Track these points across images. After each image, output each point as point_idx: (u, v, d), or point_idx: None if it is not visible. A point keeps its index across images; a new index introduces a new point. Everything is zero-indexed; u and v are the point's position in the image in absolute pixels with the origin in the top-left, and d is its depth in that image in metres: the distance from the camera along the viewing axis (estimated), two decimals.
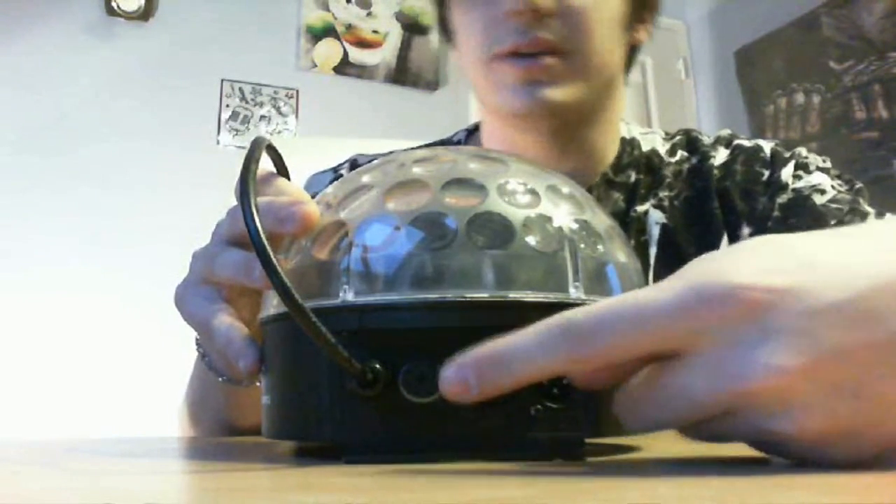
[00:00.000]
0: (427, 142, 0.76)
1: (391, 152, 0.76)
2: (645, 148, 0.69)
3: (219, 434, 0.53)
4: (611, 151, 0.67)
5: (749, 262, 0.24)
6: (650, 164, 0.67)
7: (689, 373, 0.23)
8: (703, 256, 0.25)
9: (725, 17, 2.81)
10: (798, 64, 2.44)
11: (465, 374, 0.24)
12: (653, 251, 0.63)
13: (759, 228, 0.62)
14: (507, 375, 0.24)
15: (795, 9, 2.44)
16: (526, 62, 0.57)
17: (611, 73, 0.62)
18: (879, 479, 0.21)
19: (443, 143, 0.76)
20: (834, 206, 0.60)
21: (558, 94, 0.58)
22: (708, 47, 2.90)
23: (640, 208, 0.65)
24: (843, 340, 0.22)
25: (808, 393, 0.22)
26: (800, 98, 2.43)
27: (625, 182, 0.66)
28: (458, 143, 0.75)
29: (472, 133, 0.75)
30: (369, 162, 0.69)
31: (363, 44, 2.63)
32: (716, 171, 0.66)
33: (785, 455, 0.24)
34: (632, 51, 0.67)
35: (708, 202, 0.64)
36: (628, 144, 0.68)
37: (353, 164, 0.73)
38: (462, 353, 0.24)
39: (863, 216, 0.59)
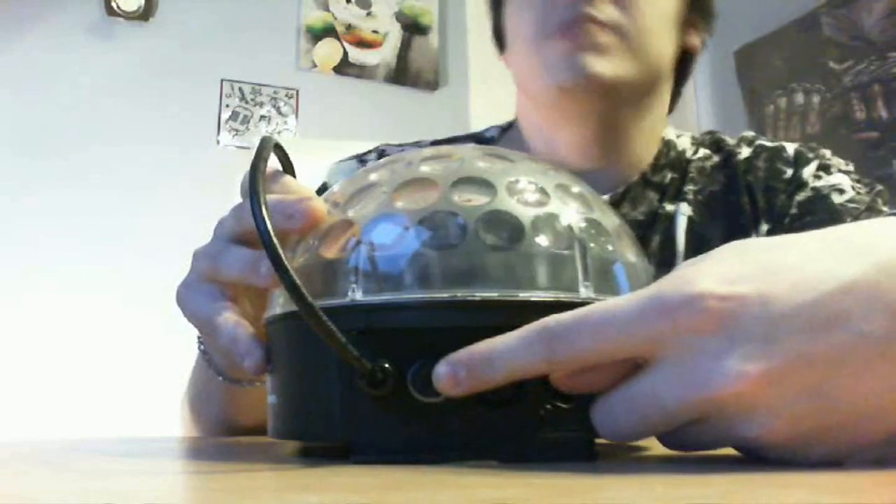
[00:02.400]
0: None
1: (418, 142, 0.76)
2: (679, 148, 0.70)
3: (219, 432, 0.53)
4: (649, 153, 0.68)
5: (712, 270, 0.24)
6: (681, 164, 0.68)
7: (657, 380, 0.24)
8: (681, 264, 0.26)
9: (725, 17, 2.81)
10: (798, 64, 2.44)
11: (456, 369, 0.25)
12: (680, 243, 0.64)
13: (777, 225, 0.63)
14: (493, 372, 0.25)
15: (795, 9, 2.44)
16: (573, 33, 0.58)
17: (658, 64, 0.62)
18: (880, 479, 0.21)
19: (474, 137, 0.76)
20: (851, 205, 0.60)
21: (602, 65, 0.58)
22: (708, 47, 2.90)
23: (669, 207, 0.65)
24: (805, 344, 0.23)
25: (772, 397, 0.23)
26: (800, 98, 2.43)
27: (660, 182, 0.67)
28: (491, 139, 0.75)
29: (506, 130, 0.75)
30: (398, 152, 0.70)
31: (363, 44, 2.63)
32: (740, 167, 0.66)
33: (765, 456, 0.25)
34: (686, 58, 0.68)
35: (734, 196, 0.65)
36: (666, 146, 0.69)
37: (381, 154, 0.73)
38: (456, 352, 0.25)
39: (879, 215, 0.60)
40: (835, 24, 2.33)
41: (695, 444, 0.26)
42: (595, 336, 0.24)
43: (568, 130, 0.64)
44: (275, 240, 0.27)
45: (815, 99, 2.37)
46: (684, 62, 0.68)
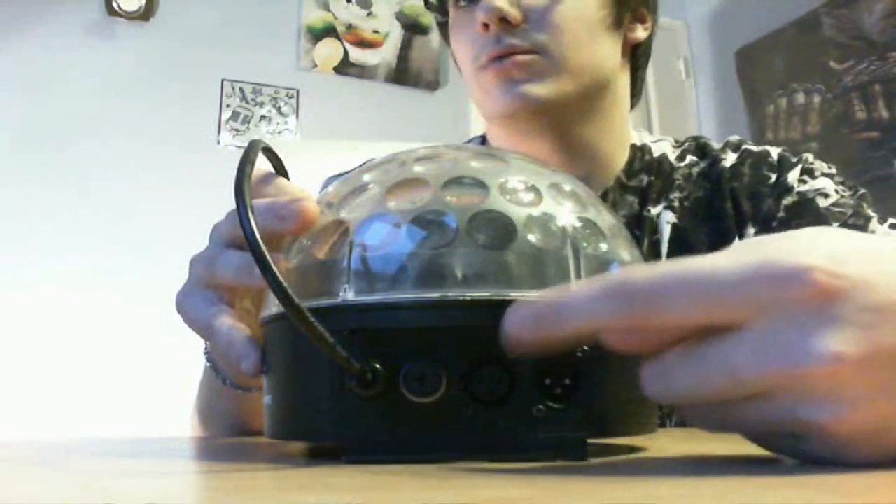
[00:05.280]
0: (430, 143, 0.76)
1: None
2: (656, 154, 0.70)
3: (231, 437, 0.53)
4: (619, 156, 0.69)
5: (821, 247, 0.23)
6: (660, 169, 0.69)
7: (737, 346, 0.23)
8: (764, 237, 0.25)
9: (726, 17, 2.81)
10: (798, 64, 2.44)
11: (525, 319, 0.24)
12: (664, 250, 0.65)
13: (764, 228, 0.64)
14: (560, 324, 0.24)
15: (795, 9, 2.44)
16: (503, 63, 0.60)
17: (599, 72, 0.63)
18: (879, 479, 0.21)
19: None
20: (837, 209, 0.62)
21: (537, 89, 0.60)
22: (708, 47, 2.90)
23: (654, 210, 0.66)
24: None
25: (857, 386, 0.22)
26: (800, 98, 2.43)
27: (637, 186, 0.68)
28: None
29: (486, 140, 0.76)
30: None
31: (363, 44, 2.63)
32: (725, 173, 0.67)
33: (799, 454, 0.24)
34: (635, 50, 0.68)
35: (719, 201, 0.66)
36: (640, 150, 0.70)
37: None
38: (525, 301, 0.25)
39: (866, 220, 0.61)
40: (835, 24, 2.33)
41: (738, 423, 0.24)
42: (689, 297, 0.23)
43: (528, 145, 0.65)
44: (260, 241, 0.27)
45: (816, 99, 2.37)
46: (636, 53, 0.69)
